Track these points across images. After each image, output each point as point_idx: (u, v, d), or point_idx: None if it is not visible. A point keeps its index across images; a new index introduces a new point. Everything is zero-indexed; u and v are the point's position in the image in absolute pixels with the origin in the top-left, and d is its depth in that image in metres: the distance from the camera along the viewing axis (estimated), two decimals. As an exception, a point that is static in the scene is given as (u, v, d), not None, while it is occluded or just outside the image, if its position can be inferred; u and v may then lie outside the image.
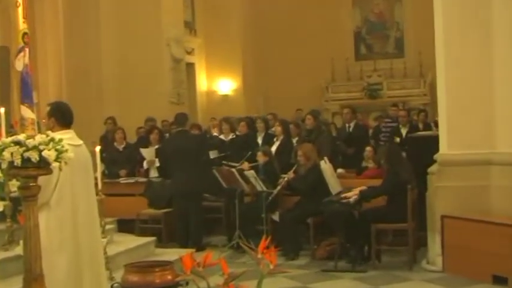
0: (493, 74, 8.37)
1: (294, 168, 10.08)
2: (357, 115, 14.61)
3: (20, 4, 7.98)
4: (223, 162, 11.14)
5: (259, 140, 11.92)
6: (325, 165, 9.54)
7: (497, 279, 7.67)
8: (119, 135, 12.30)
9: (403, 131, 13.00)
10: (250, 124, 12.41)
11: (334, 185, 9.46)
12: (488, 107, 8.41)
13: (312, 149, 10.14)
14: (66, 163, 4.42)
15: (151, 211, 10.92)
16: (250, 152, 10.92)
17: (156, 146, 11.79)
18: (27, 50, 8.04)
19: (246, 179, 10.07)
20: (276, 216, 10.05)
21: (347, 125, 13.10)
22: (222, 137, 12.48)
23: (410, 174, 8.91)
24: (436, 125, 11.14)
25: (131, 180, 11.65)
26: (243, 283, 4.15)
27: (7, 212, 7.21)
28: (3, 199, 7.25)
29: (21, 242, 4.92)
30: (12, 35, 8.23)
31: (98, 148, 7.12)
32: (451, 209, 8.43)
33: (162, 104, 16.17)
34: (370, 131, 14.22)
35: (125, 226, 10.17)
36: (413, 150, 10.68)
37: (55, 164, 4.33)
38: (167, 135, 12.64)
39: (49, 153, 4.27)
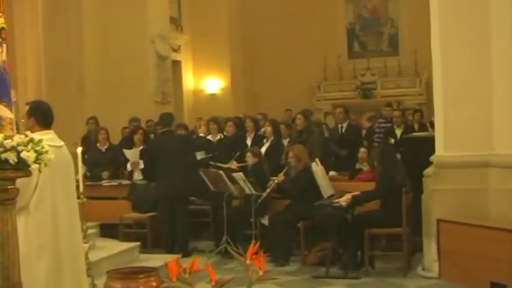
0: (492, 72, 8.39)
1: (284, 170, 10.09)
2: (350, 115, 14.63)
3: (-5, -3, 7.93)
4: (211, 162, 11.14)
5: (249, 141, 11.92)
6: (317, 167, 9.55)
7: (495, 286, 7.69)
8: (101, 135, 12.27)
9: (398, 132, 13.02)
10: (238, 124, 12.41)
11: (326, 187, 9.47)
12: (486, 106, 8.43)
13: (303, 151, 10.15)
14: (46, 165, 4.40)
15: (136, 215, 10.91)
16: (239, 153, 10.93)
17: (141, 147, 11.77)
18: (4, 46, 7.99)
19: (234, 182, 10.06)
20: (265, 220, 10.05)
21: (339, 125, 13.12)
22: (209, 137, 12.48)
23: (405, 177, 8.93)
24: (432, 126, 11.19)
25: (114, 183, 11.62)
26: (231, 290, 4.14)
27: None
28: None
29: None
30: (-12, 31, 8.17)
31: (79, 149, 7.09)
32: (447, 213, 8.45)
33: (147, 103, 16.16)
34: (364, 132, 14.25)
35: (108, 231, 10.15)
36: (408, 151, 10.71)
37: (34, 166, 4.30)
38: (152, 135, 12.62)
39: (28, 155, 4.24)
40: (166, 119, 10.87)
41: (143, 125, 13.77)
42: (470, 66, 8.50)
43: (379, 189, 9.03)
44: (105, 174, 11.82)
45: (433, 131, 9.57)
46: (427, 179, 8.95)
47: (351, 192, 9.07)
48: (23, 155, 4.24)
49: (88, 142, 12.69)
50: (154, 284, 5.81)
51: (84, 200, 6.91)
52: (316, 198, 9.27)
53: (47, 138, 4.88)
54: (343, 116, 13.15)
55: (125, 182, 11.59)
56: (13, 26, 14.01)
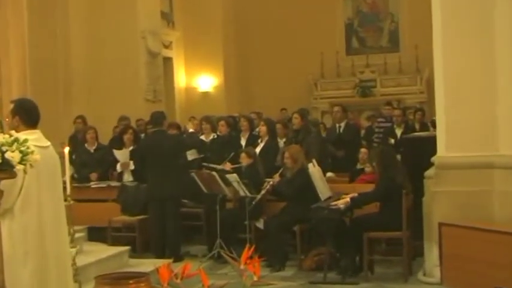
0: (496, 69, 8.38)
1: (279, 171, 10.09)
2: (348, 114, 14.65)
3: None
4: (204, 164, 11.14)
5: (243, 141, 11.92)
6: (314, 169, 9.56)
7: (499, 292, 7.70)
8: (90, 135, 12.24)
9: (398, 132, 13.03)
10: (231, 123, 12.41)
11: (323, 189, 9.48)
12: (490, 105, 8.43)
13: (300, 151, 10.15)
14: (31, 166, 4.40)
15: (125, 218, 10.90)
16: (232, 153, 10.93)
17: (131, 148, 11.75)
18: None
19: (228, 183, 10.06)
20: (260, 224, 10.06)
21: (337, 125, 13.13)
22: (202, 137, 12.47)
23: (405, 179, 8.94)
24: (434, 125, 11.19)
25: (103, 185, 11.61)
26: (225, 296, 4.14)
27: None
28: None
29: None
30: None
31: (66, 149, 7.08)
32: (449, 216, 8.45)
33: (137, 102, 16.13)
34: (362, 132, 14.26)
35: (96, 234, 10.14)
36: (409, 152, 10.72)
37: (19, 167, 4.30)
38: (143, 135, 12.61)
39: (13, 155, 4.24)
40: (157, 118, 10.87)
41: (133, 124, 13.75)
42: (474, 63, 8.50)
43: (379, 191, 9.03)
44: (93, 175, 11.80)
45: (435, 131, 9.58)
46: (428, 181, 8.96)
47: (348, 194, 9.08)
48: (8, 155, 4.24)
49: (75, 142, 12.66)
50: (144, 290, 5.81)
51: (72, 202, 6.89)
52: (313, 200, 9.28)
53: (33, 138, 4.88)
54: (340, 115, 13.16)
55: (114, 183, 11.57)
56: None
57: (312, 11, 21.15)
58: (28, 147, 4.37)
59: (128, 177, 11.56)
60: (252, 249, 4.03)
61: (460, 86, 8.59)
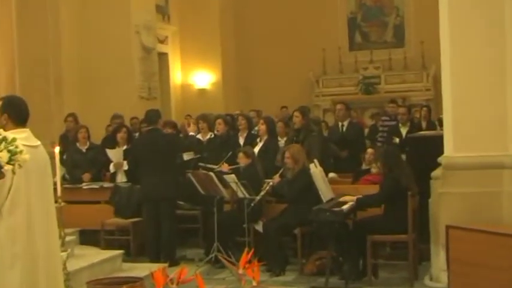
0: (506, 65, 8.36)
1: (280, 171, 10.09)
2: (351, 112, 14.64)
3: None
4: (200, 164, 11.14)
5: (241, 141, 11.91)
6: (315, 169, 9.55)
7: (509, 298, 7.70)
8: (81, 134, 12.22)
9: (403, 131, 13.03)
10: (229, 122, 12.40)
11: (325, 191, 9.48)
12: (500, 103, 8.41)
13: (301, 151, 10.15)
14: (20, 166, 4.39)
15: (118, 220, 10.90)
16: (230, 153, 10.92)
17: (124, 147, 11.75)
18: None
19: (225, 184, 10.06)
20: (259, 226, 10.05)
21: (340, 123, 13.14)
22: (199, 136, 12.47)
23: (410, 180, 8.94)
24: (441, 124, 11.20)
25: (95, 186, 11.59)
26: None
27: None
28: None
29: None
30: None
31: (57, 149, 7.08)
32: (457, 218, 8.43)
33: (131, 99, 16.15)
34: (366, 131, 14.27)
35: (88, 238, 10.15)
36: (415, 152, 10.71)
37: (8, 167, 4.29)
38: (137, 134, 12.60)
39: (1, 155, 4.23)
40: (152, 116, 10.86)
41: (127, 122, 13.75)
42: (483, 59, 8.48)
43: (383, 193, 9.03)
44: (86, 176, 11.77)
45: (442, 130, 9.58)
46: (435, 182, 8.95)
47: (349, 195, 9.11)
48: (-5, 155, 4.23)
49: (66, 141, 12.64)
50: (138, 295, 5.81)
51: (62, 204, 6.90)
52: (315, 202, 9.27)
53: (22, 137, 4.87)
54: (343, 113, 13.18)
55: (107, 184, 11.55)
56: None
57: (313, 4, 21.18)
58: (17, 147, 4.37)
59: (121, 178, 11.55)
60: (250, 253, 4.03)
61: (468, 83, 8.58)
